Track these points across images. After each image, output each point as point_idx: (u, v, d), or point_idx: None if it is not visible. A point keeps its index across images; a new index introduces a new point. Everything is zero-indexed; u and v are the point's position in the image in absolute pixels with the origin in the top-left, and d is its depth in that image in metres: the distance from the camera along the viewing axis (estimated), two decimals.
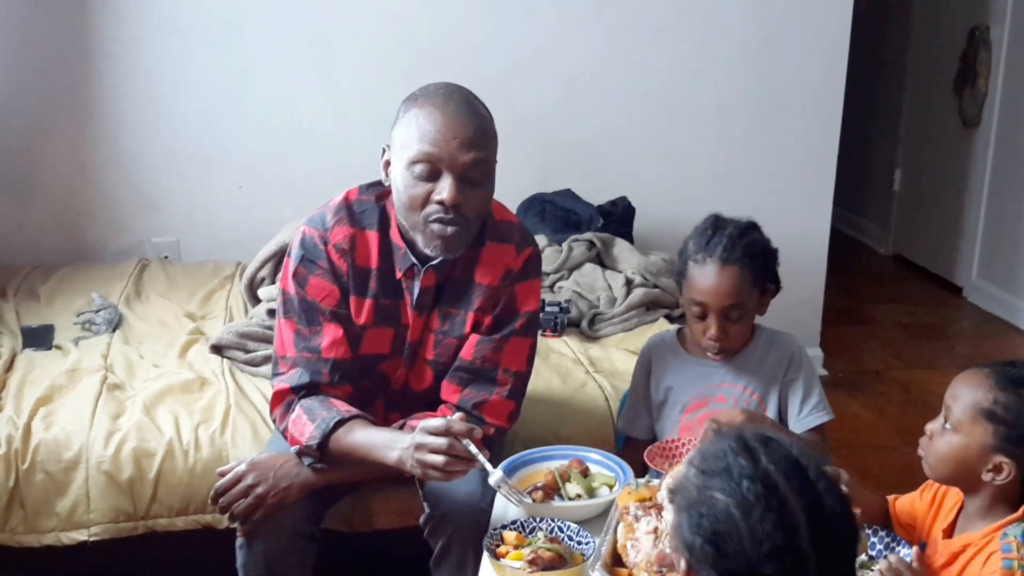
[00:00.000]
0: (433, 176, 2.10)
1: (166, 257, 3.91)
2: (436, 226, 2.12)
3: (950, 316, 5.44)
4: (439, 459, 1.95)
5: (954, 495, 1.88)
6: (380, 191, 2.27)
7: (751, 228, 2.26)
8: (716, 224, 2.26)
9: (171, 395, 2.71)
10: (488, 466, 1.97)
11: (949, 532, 1.85)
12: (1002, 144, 5.29)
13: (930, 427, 1.83)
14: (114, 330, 3.15)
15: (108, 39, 3.74)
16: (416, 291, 2.25)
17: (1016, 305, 5.16)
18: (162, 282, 3.59)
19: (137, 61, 3.77)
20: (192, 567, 2.63)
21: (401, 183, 2.13)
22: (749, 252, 2.22)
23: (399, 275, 2.25)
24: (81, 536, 2.45)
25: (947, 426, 1.79)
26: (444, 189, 2.09)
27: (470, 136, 2.10)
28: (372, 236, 2.24)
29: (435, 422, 1.99)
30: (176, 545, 2.53)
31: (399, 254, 2.24)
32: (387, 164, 2.20)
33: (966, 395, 1.78)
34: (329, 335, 2.22)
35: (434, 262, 2.21)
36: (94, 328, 3.14)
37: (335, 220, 2.24)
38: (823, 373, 4.42)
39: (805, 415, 2.27)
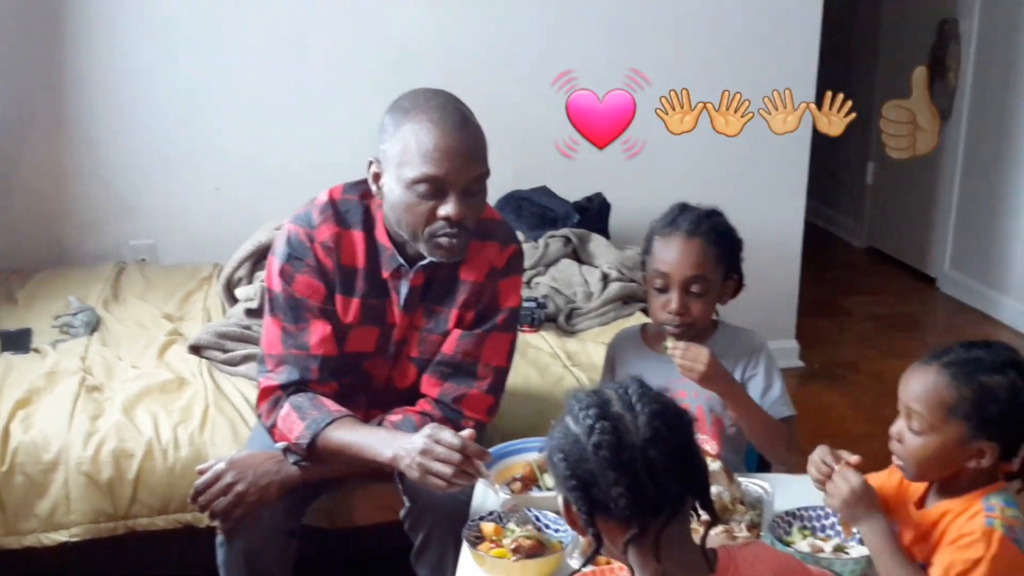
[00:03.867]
0: (436, 194, 2.10)
1: (143, 260, 3.92)
2: (443, 239, 2.13)
3: (924, 307, 5.51)
4: (447, 470, 1.96)
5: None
6: (363, 190, 2.27)
7: (717, 212, 2.29)
8: (682, 207, 2.29)
9: (150, 395, 2.72)
10: (499, 490, 2.01)
11: (919, 504, 1.88)
12: (973, 136, 5.35)
13: (896, 430, 1.82)
14: (92, 332, 3.15)
15: (84, 43, 3.74)
16: (404, 291, 2.26)
17: (988, 295, 5.23)
18: (139, 284, 3.60)
19: (113, 65, 3.77)
20: (173, 566, 2.64)
21: (400, 200, 2.12)
22: (715, 228, 2.24)
23: (386, 275, 2.26)
24: (61, 537, 2.45)
25: (915, 428, 1.78)
26: (450, 207, 2.09)
27: (472, 153, 2.12)
28: (358, 236, 2.25)
29: (448, 435, 1.99)
30: (157, 544, 2.54)
31: (386, 255, 2.25)
32: (377, 176, 2.19)
33: (928, 396, 1.77)
34: (317, 332, 2.22)
35: (424, 262, 2.22)
36: (72, 331, 3.14)
37: (321, 218, 2.24)
38: (799, 365, 4.47)
39: (767, 408, 2.26)
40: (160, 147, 3.88)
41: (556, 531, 1.91)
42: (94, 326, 3.19)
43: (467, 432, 2.02)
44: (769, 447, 2.24)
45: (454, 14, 3.96)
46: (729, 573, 1.40)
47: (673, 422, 1.36)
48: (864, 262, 6.27)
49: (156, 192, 3.92)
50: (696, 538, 1.42)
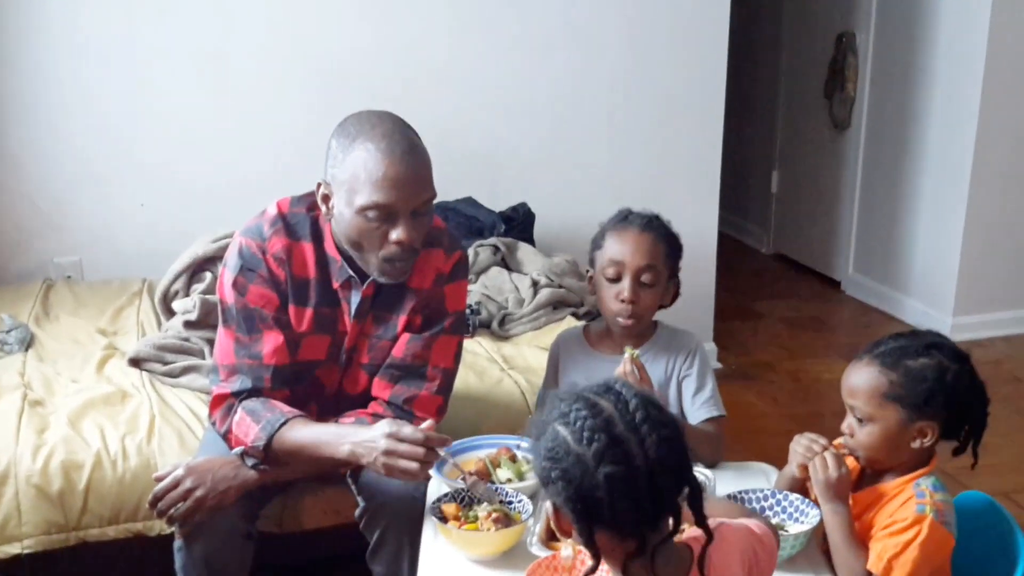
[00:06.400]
0: (387, 219, 2.16)
1: (69, 277, 3.89)
2: (396, 264, 2.21)
3: (830, 309, 5.73)
4: (414, 466, 2.04)
5: (852, 460, 2.04)
6: (310, 203, 2.32)
7: (661, 217, 2.41)
8: (630, 210, 2.41)
9: (94, 408, 2.73)
10: (464, 473, 2.09)
11: (853, 487, 2.01)
12: (871, 145, 5.59)
13: (845, 427, 1.98)
14: (27, 349, 3.14)
15: (1, 60, 3.71)
16: (355, 301, 2.32)
17: (890, 296, 5.47)
18: (70, 301, 3.59)
19: (32, 81, 3.74)
20: (127, 575, 2.66)
21: (351, 223, 2.18)
22: (665, 228, 2.38)
23: (336, 285, 2.32)
24: (14, 550, 2.45)
25: (859, 419, 1.95)
26: (401, 231, 2.16)
27: (420, 179, 2.18)
28: (308, 247, 2.30)
29: (409, 430, 2.06)
30: (110, 554, 2.55)
31: (335, 266, 2.30)
32: (326, 198, 2.23)
33: (862, 387, 1.94)
34: (271, 342, 2.27)
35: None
36: (7, 348, 3.12)
37: (272, 231, 2.29)
38: (717, 366, 4.61)
39: (697, 407, 2.38)
40: (84, 164, 3.86)
41: (510, 503, 2.05)
42: (28, 343, 3.18)
43: (427, 424, 2.09)
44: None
45: (372, 34, 4.00)
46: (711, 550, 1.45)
47: (676, 443, 1.37)
48: (772, 268, 6.50)
49: (81, 209, 3.90)
50: None
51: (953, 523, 1.89)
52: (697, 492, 1.41)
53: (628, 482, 1.32)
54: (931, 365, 1.90)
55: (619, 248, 2.34)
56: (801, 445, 2.00)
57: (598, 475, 1.31)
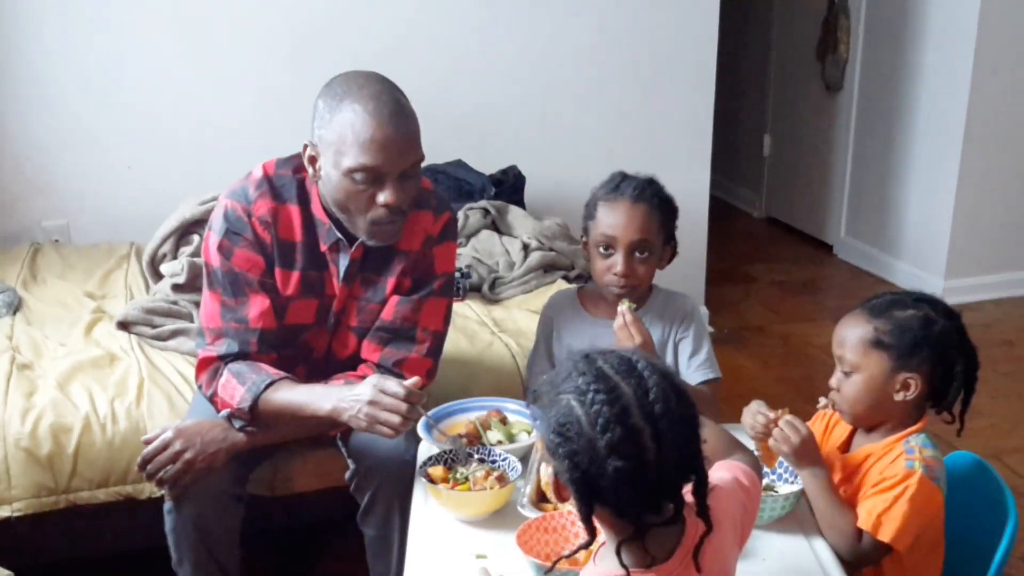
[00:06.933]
0: (374, 182, 2.13)
1: (56, 240, 3.87)
2: (384, 227, 2.18)
3: (822, 272, 5.74)
4: (395, 419, 2.03)
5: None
6: (296, 164, 2.29)
7: (656, 180, 2.36)
8: (623, 175, 2.36)
9: (82, 371, 2.72)
10: (449, 442, 2.10)
11: (844, 448, 2.02)
12: (864, 107, 5.57)
13: (833, 381, 1.97)
14: (15, 313, 3.13)
15: None
16: (344, 264, 2.30)
17: (882, 259, 5.47)
18: (57, 264, 3.57)
19: (17, 45, 3.71)
20: (117, 538, 2.67)
21: (338, 186, 2.15)
22: (658, 195, 2.32)
23: (324, 248, 2.29)
24: (4, 513, 2.45)
25: (846, 371, 1.94)
26: (388, 194, 2.13)
27: (407, 141, 2.14)
28: (294, 210, 2.28)
29: (393, 384, 2.05)
30: (99, 517, 2.56)
31: (323, 229, 2.28)
32: (312, 160, 2.20)
33: (850, 337, 1.94)
34: (257, 306, 2.25)
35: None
36: None
37: (258, 193, 2.26)
38: (709, 329, 4.60)
39: (693, 370, 2.38)
40: (70, 127, 3.82)
41: (494, 463, 2.06)
42: (16, 306, 3.16)
43: (412, 381, 2.09)
44: None
45: None
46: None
47: (691, 437, 1.33)
48: (764, 231, 6.49)
49: (67, 172, 3.87)
50: None
51: (943, 479, 1.89)
52: (703, 482, 1.36)
53: (637, 475, 1.28)
54: (919, 316, 1.90)
55: (611, 221, 2.30)
56: (746, 422, 1.97)
57: (607, 465, 1.27)
